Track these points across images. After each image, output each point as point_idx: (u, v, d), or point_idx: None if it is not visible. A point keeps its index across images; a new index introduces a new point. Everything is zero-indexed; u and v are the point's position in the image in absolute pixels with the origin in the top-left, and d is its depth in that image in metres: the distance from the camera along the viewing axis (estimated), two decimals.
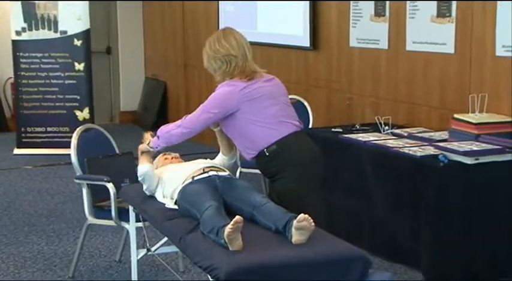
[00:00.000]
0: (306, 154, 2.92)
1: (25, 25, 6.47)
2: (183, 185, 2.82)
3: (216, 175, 2.84)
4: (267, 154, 2.89)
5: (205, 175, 2.85)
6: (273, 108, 2.90)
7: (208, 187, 2.75)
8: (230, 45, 2.92)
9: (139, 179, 2.98)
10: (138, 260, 3.26)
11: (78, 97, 6.54)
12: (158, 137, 2.97)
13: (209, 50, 2.95)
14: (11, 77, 7.04)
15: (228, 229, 2.34)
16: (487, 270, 3.37)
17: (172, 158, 3.19)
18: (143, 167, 2.95)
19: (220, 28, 6.21)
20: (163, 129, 2.97)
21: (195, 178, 2.83)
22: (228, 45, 2.92)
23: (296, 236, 2.40)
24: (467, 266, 3.34)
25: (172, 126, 2.95)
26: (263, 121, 2.88)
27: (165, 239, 3.11)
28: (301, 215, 2.39)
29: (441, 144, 3.48)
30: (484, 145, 3.40)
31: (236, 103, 2.87)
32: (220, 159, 3.10)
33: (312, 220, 2.39)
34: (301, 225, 2.38)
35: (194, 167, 2.91)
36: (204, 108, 2.91)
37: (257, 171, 4.56)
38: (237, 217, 2.36)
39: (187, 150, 4.00)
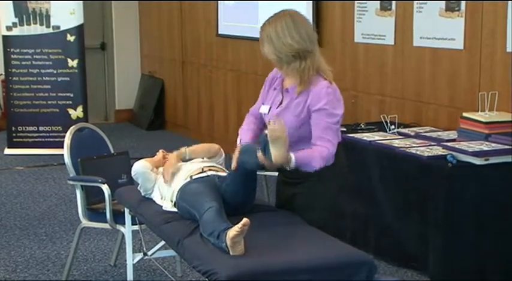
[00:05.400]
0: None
1: (16, 20, 6.42)
2: (182, 184, 2.77)
3: (215, 175, 2.79)
4: None
5: (204, 174, 2.79)
6: None
7: (208, 187, 2.69)
8: (301, 38, 2.51)
9: (133, 176, 2.95)
10: (134, 265, 3.22)
11: (72, 95, 6.49)
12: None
13: (276, 38, 2.49)
14: (1, 74, 7.03)
15: (234, 231, 2.28)
16: (499, 275, 3.35)
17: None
18: (138, 164, 2.91)
19: (220, 23, 6.17)
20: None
21: (194, 177, 2.78)
22: (299, 38, 2.51)
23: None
24: (478, 271, 3.32)
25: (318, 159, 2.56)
26: None
27: (162, 242, 3.07)
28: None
29: (449, 144, 3.44)
30: (494, 144, 3.36)
31: None
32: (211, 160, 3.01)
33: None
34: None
35: (193, 167, 2.86)
36: (337, 118, 2.58)
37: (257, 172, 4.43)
38: (245, 220, 2.31)
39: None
